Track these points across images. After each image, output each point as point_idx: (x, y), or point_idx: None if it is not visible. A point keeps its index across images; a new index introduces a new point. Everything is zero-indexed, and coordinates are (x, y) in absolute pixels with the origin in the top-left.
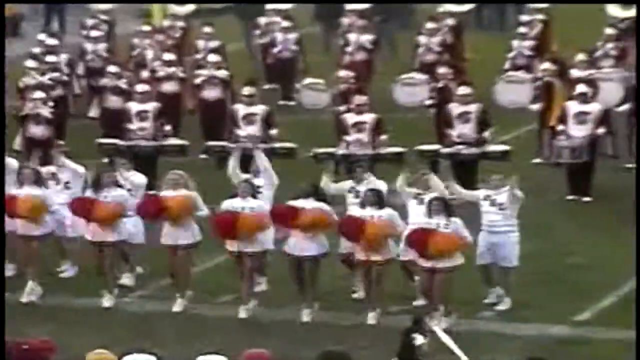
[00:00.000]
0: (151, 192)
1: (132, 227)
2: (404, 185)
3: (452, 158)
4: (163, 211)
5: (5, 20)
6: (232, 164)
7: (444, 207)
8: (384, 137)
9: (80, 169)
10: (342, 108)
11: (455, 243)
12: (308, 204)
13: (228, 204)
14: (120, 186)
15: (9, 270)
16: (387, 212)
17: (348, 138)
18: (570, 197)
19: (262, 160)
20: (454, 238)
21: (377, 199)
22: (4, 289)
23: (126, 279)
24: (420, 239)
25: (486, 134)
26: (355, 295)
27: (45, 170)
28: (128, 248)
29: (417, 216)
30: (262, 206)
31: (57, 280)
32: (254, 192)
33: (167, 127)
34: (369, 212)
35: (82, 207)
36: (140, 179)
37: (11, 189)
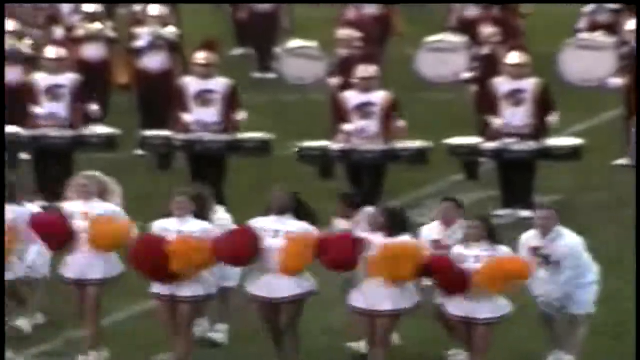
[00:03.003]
0: (55, 207)
1: (34, 256)
2: None
3: (498, 157)
4: (70, 238)
5: None
6: None
7: (487, 231)
8: (401, 124)
9: None
10: (340, 83)
11: (511, 268)
12: (283, 223)
13: (159, 226)
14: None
15: None
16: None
17: (349, 127)
18: None
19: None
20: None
21: (390, 224)
22: (4, 286)
23: (21, 322)
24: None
25: (551, 119)
26: (353, 345)
27: None
28: (27, 286)
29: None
30: (207, 231)
31: None
32: (203, 209)
33: (93, 108)
34: (378, 238)
35: None
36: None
37: None
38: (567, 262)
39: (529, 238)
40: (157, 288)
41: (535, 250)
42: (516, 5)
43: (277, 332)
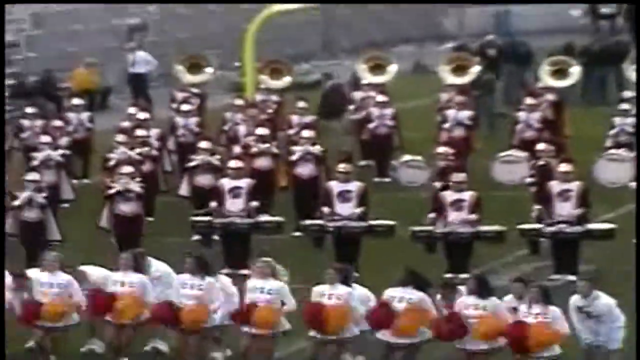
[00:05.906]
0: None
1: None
2: None
3: (554, 237)
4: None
5: (93, 93)
6: None
7: (543, 295)
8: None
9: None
10: (440, 185)
11: (554, 335)
12: (407, 293)
13: (317, 291)
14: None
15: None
16: (491, 304)
17: (447, 216)
18: None
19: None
20: (551, 329)
21: (479, 287)
22: (4, 293)
23: (216, 354)
24: (518, 334)
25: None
26: None
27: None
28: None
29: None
30: (350, 293)
31: None
32: (346, 276)
33: (256, 204)
34: (472, 301)
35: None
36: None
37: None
38: (605, 317)
39: (576, 300)
40: (313, 332)
41: (580, 309)
42: (562, 127)
43: None
